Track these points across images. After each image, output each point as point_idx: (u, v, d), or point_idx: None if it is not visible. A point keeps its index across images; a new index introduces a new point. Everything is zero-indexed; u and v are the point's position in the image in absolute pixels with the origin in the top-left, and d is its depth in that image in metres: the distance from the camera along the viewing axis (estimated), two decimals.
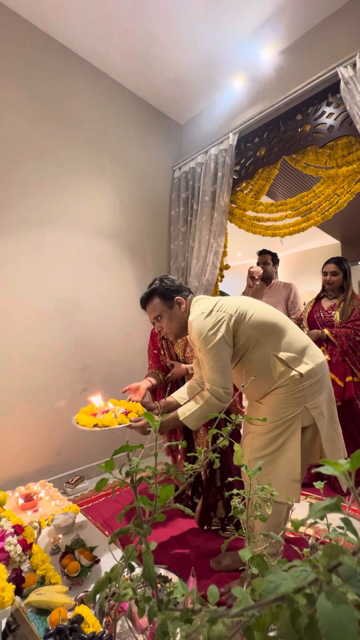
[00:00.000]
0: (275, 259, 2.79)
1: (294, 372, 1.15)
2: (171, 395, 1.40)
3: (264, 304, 1.27)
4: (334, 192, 2.20)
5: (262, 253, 2.78)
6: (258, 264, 2.77)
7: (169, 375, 1.75)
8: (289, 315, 2.56)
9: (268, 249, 2.81)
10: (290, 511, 1.16)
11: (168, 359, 1.85)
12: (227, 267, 2.84)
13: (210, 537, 1.62)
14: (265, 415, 1.16)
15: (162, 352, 1.88)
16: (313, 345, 1.26)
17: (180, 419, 1.18)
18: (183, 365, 1.71)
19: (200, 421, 1.19)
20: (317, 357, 1.22)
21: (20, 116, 2.17)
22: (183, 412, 1.19)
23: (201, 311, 1.19)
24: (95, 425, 1.19)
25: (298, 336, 1.23)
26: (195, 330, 1.18)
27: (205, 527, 1.68)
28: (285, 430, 1.16)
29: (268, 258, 2.75)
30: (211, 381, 1.16)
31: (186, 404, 1.22)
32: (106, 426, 1.18)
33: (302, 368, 1.16)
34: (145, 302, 1.36)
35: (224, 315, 1.17)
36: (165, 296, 1.31)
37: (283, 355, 1.17)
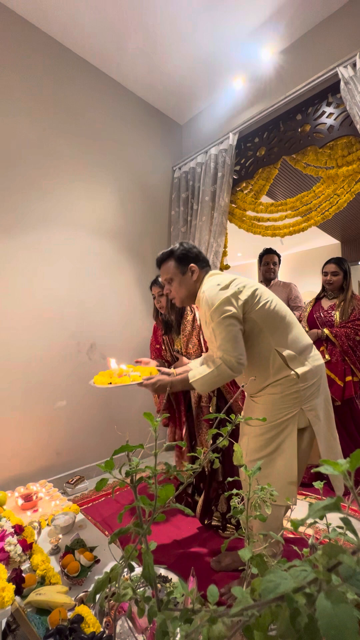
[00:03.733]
0: (279, 258, 2.80)
1: (291, 372, 1.15)
2: (189, 362, 1.43)
3: (278, 298, 1.27)
4: (334, 192, 2.20)
5: (269, 253, 2.77)
6: (265, 263, 2.77)
7: (173, 367, 1.74)
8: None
9: (273, 249, 2.81)
10: (290, 511, 1.17)
11: (169, 354, 1.85)
12: (227, 267, 2.84)
13: (210, 537, 1.62)
14: (261, 416, 1.16)
15: (163, 348, 1.89)
16: (313, 347, 1.26)
17: (190, 381, 1.17)
18: (186, 360, 1.71)
19: (208, 386, 1.17)
20: (315, 359, 1.22)
21: (21, 116, 2.17)
22: (193, 375, 1.18)
23: (217, 283, 1.19)
24: (110, 384, 1.25)
25: (301, 336, 1.23)
26: (208, 300, 1.16)
27: (205, 522, 1.68)
28: (280, 432, 1.16)
29: (275, 258, 2.75)
30: (223, 349, 1.12)
31: (198, 368, 1.22)
32: (120, 384, 1.24)
33: (300, 369, 1.16)
34: (160, 262, 1.35)
35: (240, 292, 1.16)
36: (180, 260, 1.30)
37: (283, 351, 1.16)
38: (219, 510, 1.67)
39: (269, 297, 1.21)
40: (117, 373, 1.35)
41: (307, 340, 1.24)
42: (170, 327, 1.79)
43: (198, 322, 1.71)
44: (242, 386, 0.88)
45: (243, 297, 1.16)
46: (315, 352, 1.24)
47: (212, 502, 1.67)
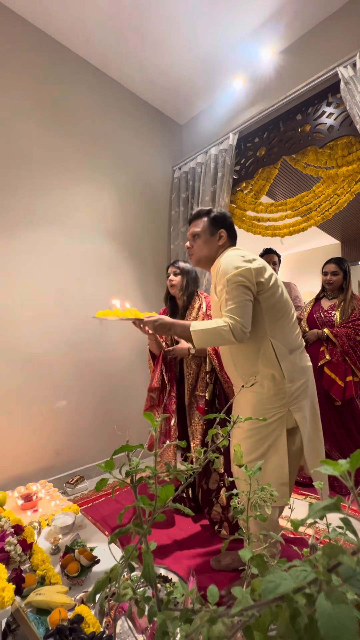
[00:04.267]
0: (279, 258, 2.79)
1: (278, 369, 1.15)
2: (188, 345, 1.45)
3: (288, 294, 1.28)
4: (334, 192, 2.20)
5: (269, 252, 2.77)
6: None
7: (172, 349, 1.72)
8: None
9: (273, 249, 2.81)
10: (290, 511, 1.17)
11: (170, 338, 1.87)
12: None
13: (210, 537, 1.62)
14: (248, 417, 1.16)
15: None
16: (304, 350, 1.27)
17: (191, 329, 1.15)
18: (187, 344, 1.70)
19: (206, 340, 1.14)
20: (305, 361, 1.23)
21: (21, 116, 2.17)
22: (195, 325, 1.16)
23: (242, 255, 1.19)
24: (111, 316, 1.24)
25: (297, 336, 1.23)
26: (229, 265, 1.16)
27: (205, 511, 1.69)
28: (269, 434, 1.16)
29: (275, 258, 2.74)
30: (231, 314, 1.11)
31: (201, 322, 1.21)
32: (121, 317, 1.23)
33: (287, 367, 1.16)
34: (195, 216, 1.35)
35: (260, 271, 1.17)
36: (214, 221, 1.31)
37: (276, 345, 1.16)
38: (220, 503, 1.67)
39: (282, 289, 1.22)
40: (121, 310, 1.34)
41: (301, 341, 1.25)
42: (176, 311, 1.81)
43: (204, 311, 1.73)
44: (242, 386, 0.88)
45: (261, 277, 1.16)
46: (305, 355, 1.25)
47: (212, 493, 1.67)
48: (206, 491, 1.67)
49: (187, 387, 1.73)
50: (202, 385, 1.69)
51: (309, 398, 1.21)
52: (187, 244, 1.37)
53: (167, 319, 1.22)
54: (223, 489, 1.64)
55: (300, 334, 1.28)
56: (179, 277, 1.80)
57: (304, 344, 1.28)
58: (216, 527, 1.65)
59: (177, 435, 1.71)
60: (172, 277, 1.83)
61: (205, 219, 1.32)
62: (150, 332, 1.25)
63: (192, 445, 1.68)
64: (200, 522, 1.76)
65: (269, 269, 1.21)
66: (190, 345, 1.64)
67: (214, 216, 1.31)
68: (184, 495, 1.88)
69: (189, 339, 1.18)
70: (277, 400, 1.15)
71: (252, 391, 1.18)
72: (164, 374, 1.74)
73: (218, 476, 1.65)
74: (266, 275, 1.18)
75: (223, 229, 1.31)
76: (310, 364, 1.25)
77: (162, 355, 1.77)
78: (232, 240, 1.34)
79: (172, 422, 1.70)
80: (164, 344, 1.84)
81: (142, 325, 1.29)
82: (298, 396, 1.16)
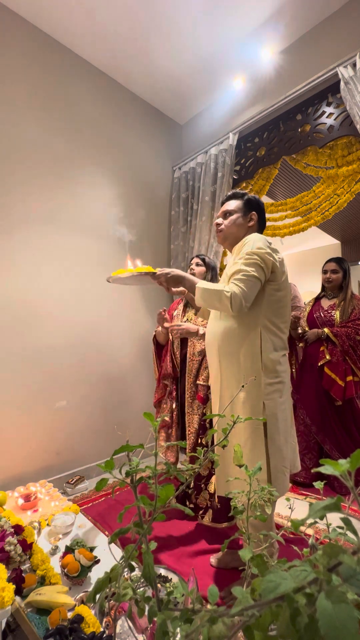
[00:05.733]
0: None
1: (256, 363, 1.16)
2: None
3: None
4: (334, 192, 2.21)
5: None
6: None
7: (181, 324, 1.70)
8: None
9: None
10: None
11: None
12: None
13: (210, 537, 1.62)
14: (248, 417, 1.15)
15: (173, 318, 1.97)
16: (286, 355, 1.28)
17: (197, 285, 1.19)
18: (196, 326, 1.70)
19: (207, 299, 1.16)
20: (285, 366, 1.24)
21: (22, 116, 2.17)
22: (202, 283, 1.20)
23: (269, 241, 1.22)
24: (125, 273, 1.25)
25: (285, 339, 1.26)
26: (254, 243, 1.19)
27: (193, 496, 1.71)
28: (253, 431, 1.15)
29: None
30: (238, 281, 1.13)
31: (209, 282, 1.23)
32: (134, 272, 1.24)
33: (266, 362, 1.16)
34: (230, 197, 1.38)
35: (279, 263, 1.19)
36: (248, 204, 1.34)
37: (264, 338, 1.17)
38: (208, 490, 1.68)
39: (288, 292, 1.24)
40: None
41: (286, 346, 1.28)
42: (191, 304, 1.84)
43: None
44: (242, 386, 0.88)
45: (277, 270, 1.18)
46: (286, 362, 1.27)
47: (202, 479, 1.68)
48: (196, 476, 1.68)
49: (188, 376, 1.76)
50: (204, 375, 1.73)
51: (285, 398, 1.22)
52: (218, 220, 1.38)
53: (180, 272, 1.25)
54: (214, 477, 1.64)
55: (286, 339, 1.29)
56: (201, 268, 1.85)
57: (287, 351, 1.29)
58: (200, 512, 1.67)
59: (178, 421, 1.81)
60: (194, 266, 1.88)
61: (240, 202, 1.35)
62: (164, 284, 1.26)
63: (187, 432, 1.73)
64: (201, 521, 1.76)
65: (285, 270, 1.24)
66: (199, 328, 1.64)
67: (248, 198, 1.35)
68: (188, 490, 1.90)
69: (193, 296, 1.21)
70: (254, 397, 1.16)
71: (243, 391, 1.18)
72: (174, 358, 1.83)
73: (210, 463, 1.65)
74: (282, 271, 1.21)
75: (255, 212, 1.34)
76: (289, 371, 1.27)
77: (167, 347, 1.84)
78: (261, 225, 1.37)
79: (174, 405, 1.81)
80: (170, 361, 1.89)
81: (155, 280, 1.28)
82: (273, 392, 1.17)
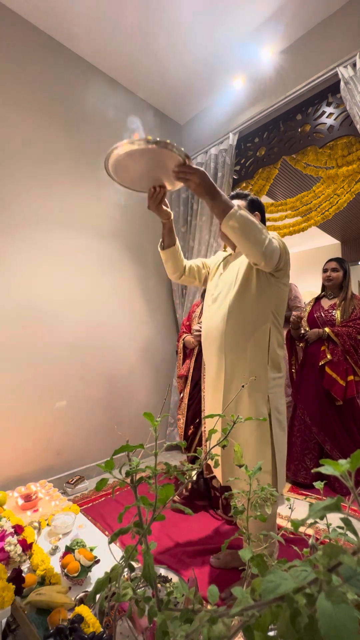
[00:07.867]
0: None
1: (263, 358, 1.18)
2: None
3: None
4: (334, 192, 2.21)
5: None
6: None
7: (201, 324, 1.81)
8: (291, 312, 2.54)
9: None
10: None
11: (195, 322, 2.06)
12: None
13: (210, 537, 1.62)
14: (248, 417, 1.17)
15: (192, 319, 2.12)
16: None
17: (235, 206, 1.02)
18: None
19: (243, 227, 1.01)
20: (283, 361, 1.27)
21: (21, 116, 2.17)
22: (240, 209, 1.03)
23: (273, 236, 1.21)
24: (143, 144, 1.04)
25: (284, 338, 1.31)
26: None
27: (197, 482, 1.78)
28: (256, 427, 1.17)
29: None
30: (276, 238, 1.15)
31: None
32: (160, 146, 1.01)
33: (273, 357, 1.19)
34: (235, 196, 1.39)
35: (289, 260, 1.22)
36: (252, 204, 1.35)
37: (273, 334, 1.19)
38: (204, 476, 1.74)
39: (287, 292, 1.27)
40: None
41: (283, 348, 1.31)
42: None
43: None
44: (243, 386, 0.88)
45: (289, 263, 1.21)
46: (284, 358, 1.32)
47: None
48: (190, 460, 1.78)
49: (204, 374, 1.84)
50: None
51: (283, 395, 1.26)
52: None
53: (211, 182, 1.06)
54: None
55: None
56: None
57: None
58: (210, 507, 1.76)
59: (186, 404, 2.00)
60: None
61: (243, 200, 1.36)
62: (185, 183, 1.07)
63: (203, 423, 1.84)
64: (200, 521, 1.77)
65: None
66: None
67: (252, 199, 1.36)
68: (195, 486, 1.93)
69: (222, 212, 1.02)
70: (260, 391, 1.17)
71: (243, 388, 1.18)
72: (193, 364, 2.01)
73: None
74: (288, 268, 1.23)
75: (258, 212, 1.35)
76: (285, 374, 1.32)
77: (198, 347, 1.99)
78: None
79: (187, 389, 2.02)
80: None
81: (178, 173, 1.06)
82: (274, 386, 1.20)
